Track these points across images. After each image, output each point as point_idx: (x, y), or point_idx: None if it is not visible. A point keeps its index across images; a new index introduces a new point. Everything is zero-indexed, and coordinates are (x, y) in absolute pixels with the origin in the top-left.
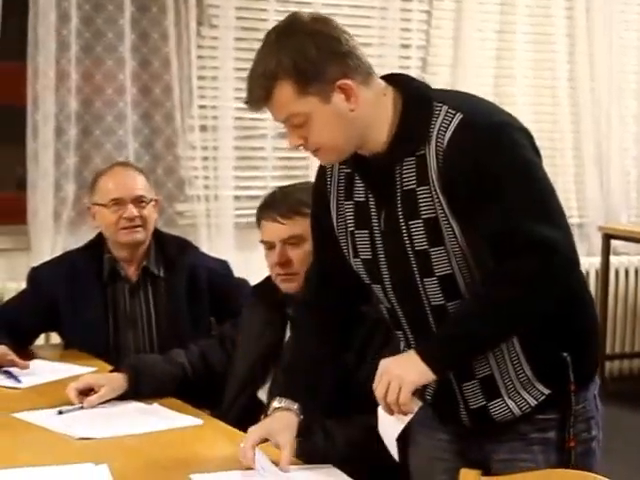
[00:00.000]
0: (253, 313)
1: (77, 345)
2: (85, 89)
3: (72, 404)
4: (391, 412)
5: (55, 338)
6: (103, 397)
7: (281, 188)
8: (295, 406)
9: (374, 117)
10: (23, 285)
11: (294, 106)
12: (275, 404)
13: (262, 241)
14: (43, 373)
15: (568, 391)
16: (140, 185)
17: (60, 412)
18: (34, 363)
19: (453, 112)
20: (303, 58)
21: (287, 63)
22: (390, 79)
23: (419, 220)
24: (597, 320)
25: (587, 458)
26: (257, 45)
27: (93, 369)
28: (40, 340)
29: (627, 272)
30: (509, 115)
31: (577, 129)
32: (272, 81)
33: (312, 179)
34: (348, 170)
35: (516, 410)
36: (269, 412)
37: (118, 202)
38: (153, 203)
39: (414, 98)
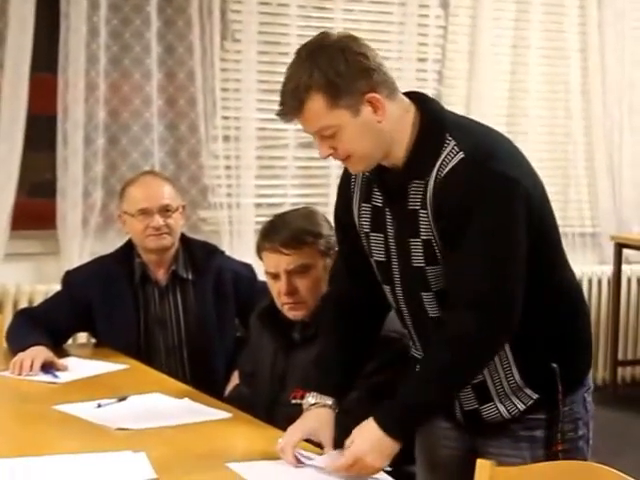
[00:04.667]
0: (262, 339)
1: (109, 345)
2: (113, 100)
3: (109, 398)
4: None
5: (82, 337)
6: None
7: (280, 216)
8: (330, 401)
9: (398, 131)
10: (52, 288)
11: (325, 119)
12: (310, 400)
13: (267, 272)
14: (78, 369)
15: (556, 398)
16: (166, 195)
17: (99, 405)
18: (69, 360)
19: (457, 150)
20: (334, 73)
21: (319, 77)
22: (412, 97)
23: (418, 239)
24: (590, 330)
25: (574, 456)
26: (279, 58)
27: (125, 366)
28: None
29: (639, 280)
30: (511, 166)
31: (590, 141)
32: (304, 94)
33: (332, 188)
34: (369, 175)
35: (505, 414)
36: (305, 407)
37: (145, 212)
38: (180, 210)
39: (430, 126)
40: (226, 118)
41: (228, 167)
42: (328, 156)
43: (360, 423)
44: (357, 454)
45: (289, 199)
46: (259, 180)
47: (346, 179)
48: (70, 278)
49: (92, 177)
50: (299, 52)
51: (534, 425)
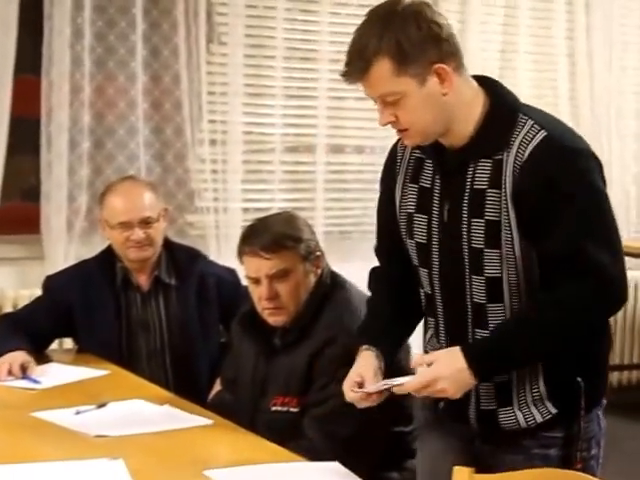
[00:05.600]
0: (243, 345)
1: (91, 350)
2: (98, 103)
3: (88, 405)
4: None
5: (68, 343)
6: None
7: (260, 220)
8: (374, 349)
9: (462, 108)
10: (36, 293)
11: (390, 85)
12: (363, 347)
13: (247, 276)
14: (60, 375)
15: (577, 414)
16: (147, 205)
17: (77, 412)
18: (51, 366)
19: (538, 128)
20: (405, 38)
21: (389, 41)
22: (480, 80)
23: (481, 220)
24: (612, 345)
25: None
26: (265, 62)
27: (107, 372)
28: (54, 345)
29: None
30: (585, 142)
31: None
32: (372, 57)
33: (319, 192)
34: (420, 155)
35: (522, 422)
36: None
37: (125, 225)
38: (162, 215)
39: (501, 104)
40: (212, 122)
41: (215, 171)
42: (387, 124)
43: (342, 431)
44: (435, 375)
45: (276, 203)
46: (246, 184)
47: (392, 159)
48: (50, 283)
49: (77, 181)
50: (370, 15)
51: (549, 443)
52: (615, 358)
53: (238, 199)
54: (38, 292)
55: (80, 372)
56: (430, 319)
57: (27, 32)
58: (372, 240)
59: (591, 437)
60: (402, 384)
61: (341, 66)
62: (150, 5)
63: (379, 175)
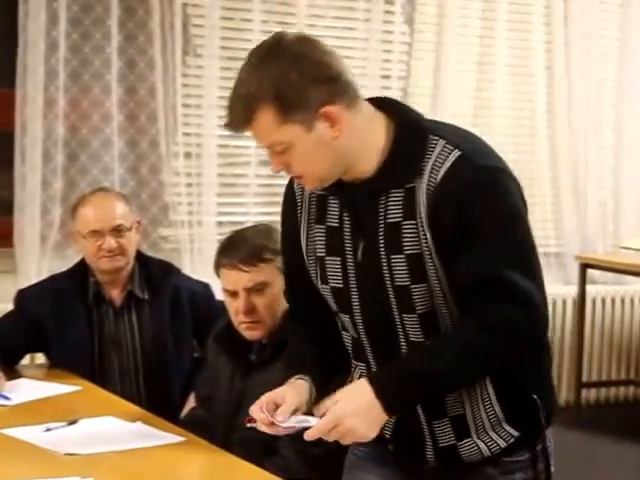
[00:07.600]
0: (218, 361)
1: (63, 365)
2: (72, 116)
3: (59, 422)
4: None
5: (40, 358)
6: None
7: (238, 232)
8: (307, 377)
9: (361, 143)
10: (9, 307)
11: (275, 134)
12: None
13: (224, 289)
14: (30, 391)
15: (541, 433)
16: (118, 214)
17: (48, 429)
18: (21, 382)
19: (451, 148)
20: (285, 84)
21: (268, 88)
22: (378, 103)
23: (401, 255)
24: (552, 361)
25: None
26: None
27: (78, 388)
28: (25, 360)
29: (604, 301)
30: (502, 160)
31: (555, 160)
32: (253, 105)
33: None
34: (322, 192)
35: (485, 451)
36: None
37: (96, 233)
38: (135, 226)
39: (408, 128)
40: (187, 134)
41: (189, 184)
42: (280, 171)
43: (314, 450)
44: (340, 413)
45: (251, 217)
46: (220, 198)
47: (290, 200)
48: (22, 297)
49: (51, 194)
50: (250, 57)
51: (513, 468)
52: (592, 375)
53: (213, 212)
54: (11, 306)
55: (51, 388)
56: (360, 364)
57: (1, 44)
58: None
59: (550, 453)
60: (311, 427)
61: None
62: (126, 17)
63: None
